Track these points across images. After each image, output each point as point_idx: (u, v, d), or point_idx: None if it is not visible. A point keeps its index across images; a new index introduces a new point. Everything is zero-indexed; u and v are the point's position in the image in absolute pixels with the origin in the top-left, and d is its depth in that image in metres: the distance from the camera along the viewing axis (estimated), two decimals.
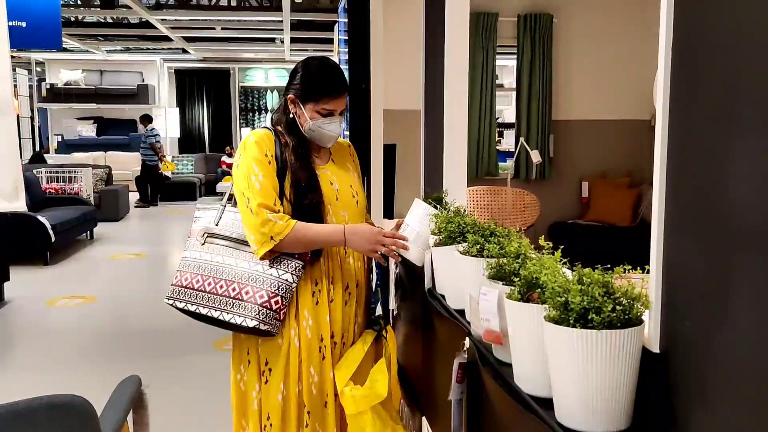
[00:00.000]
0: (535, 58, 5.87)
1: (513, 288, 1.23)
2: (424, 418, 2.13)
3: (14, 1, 6.07)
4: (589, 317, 1.01)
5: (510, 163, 5.87)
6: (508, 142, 10.41)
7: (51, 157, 13.16)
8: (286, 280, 1.90)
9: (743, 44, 0.85)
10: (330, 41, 9.80)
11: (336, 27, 7.74)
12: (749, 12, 0.84)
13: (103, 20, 11.14)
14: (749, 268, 0.84)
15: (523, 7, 5.84)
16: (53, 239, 7.07)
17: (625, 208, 5.82)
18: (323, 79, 1.98)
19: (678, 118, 1.00)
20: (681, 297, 0.99)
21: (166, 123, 14.88)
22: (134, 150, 13.82)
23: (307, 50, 12.52)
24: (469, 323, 1.53)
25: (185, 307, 1.97)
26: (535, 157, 5.25)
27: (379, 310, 2.13)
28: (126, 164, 13.92)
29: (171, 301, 2.00)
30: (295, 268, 1.91)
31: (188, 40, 12.54)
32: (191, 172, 14.37)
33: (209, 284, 1.94)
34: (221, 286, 1.92)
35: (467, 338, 1.52)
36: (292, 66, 2.09)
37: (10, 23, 3.94)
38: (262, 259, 1.90)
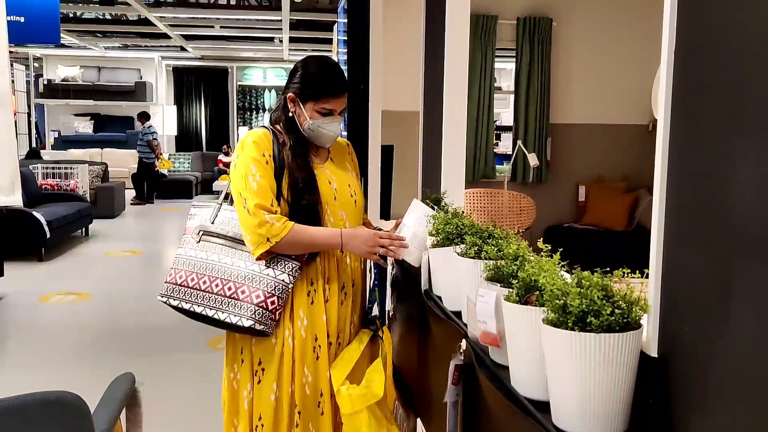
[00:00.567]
0: (534, 61, 5.87)
1: (511, 290, 1.23)
2: (418, 419, 2.12)
3: None
4: (588, 320, 1.00)
5: (507, 165, 5.87)
6: (505, 144, 10.44)
7: (47, 153, 13.12)
8: (283, 280, 1.89)
9: (745, 49, 0.85)
10: (329, 41, 9.80)
11: (335, 27, 7.74)
12: (752, 17, 0.84)
13: (101, 17, 11.12)
14: (750, 274, 0.83)
15: (523, 10, 5.85)
16: (48, 235, 7.04)
17: (621, 212, 5.83)
18: (324, 78, 1.97)
19: (679, 122, 0.99)
20: (680, 301, 0.99)
21: (164, 121, 14.85)
22: (131, 147, 13.79)
23: (306, 50, 12.52)
24: (465, 325, 1.53)
25: (179, 305, 1.95)
26: (533, 160, 5.25)
27: (375, 311, 2.13)
28: (122, 161, 13.88)
29: (165, 299, 1.98)
30: (292, 269, 1.91)
31: (187, 38, 12.52)
32: (188, 170, 14.34)
33: (204, 282, 1.92)
34: (217, 285, 1.91)
35: (464, 340, 1.51)
36: (291, 65, 2.09)
37: (9, 18, 3.93)
38: (258, 259, 1.89)
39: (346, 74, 2.21)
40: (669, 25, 1.01)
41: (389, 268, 2.20)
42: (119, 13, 10.42)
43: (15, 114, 9.63)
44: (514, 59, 6.01)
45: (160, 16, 9.96)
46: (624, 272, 1.09)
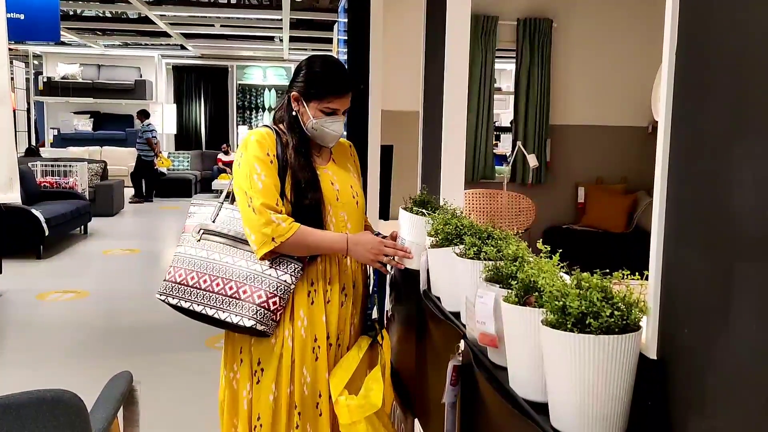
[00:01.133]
0: (534, 62, 5.87)
1: (510, 291, 1.23)
2: (416, 420, 2.12)
3: None
4: (587, 322, 1.00)
5: (506, 167, 5.87)
6: (504, 145, 10.44)
7: (46, 151, 13.10)
8: (285, 281, 1.88)
9: (746, 50, 0.84)
10: (329, 41, 9.79)
11: (336, 27, 7.73)
12: (753, 17, 0.83)
13: (101, 14, 11.11)
14: (749, 276, 0.83)
15: (523, 12, 5.85)
16: (47, 233, 7.03)
17: (620, 214, 5.83)
18: (328, 77, 1.96)
19: (680, 123, 0.99)
20: (680, 304, 0.99)
21: (163, 119, 14.84)
22: (130, 145, 13.78)
23: (306, 49, 12.51)
24: (464, 326, 1.52)
25: (178, 304, 1.94)
26: (532, 161, 5.25)
27: (375, 315, 2.12)
28: (122, 159, 13.87)
29: (163, 297, 1.96)
30: (295, 270, 1.90)
31: (187, 36, 12.52)
32: (187, 169, 14.33)
33: (205, 281, 1.91)
34: (217, 284, 1.89)
35: (462, 341, 1.51)
36: (291, 65, 2.09)
37: (9, 15, 3.93)
38: (262, 259, 1.88)
39: None
40: (671, 25, 1.00)
41: (389, 275, 2.20)
42: (119, 11, 10.43)
43: (14, 111, 9.62)
44: (514, 60, 6.01)
45: (161, 15, 9.95)
46: (623, 274, 1.09)
